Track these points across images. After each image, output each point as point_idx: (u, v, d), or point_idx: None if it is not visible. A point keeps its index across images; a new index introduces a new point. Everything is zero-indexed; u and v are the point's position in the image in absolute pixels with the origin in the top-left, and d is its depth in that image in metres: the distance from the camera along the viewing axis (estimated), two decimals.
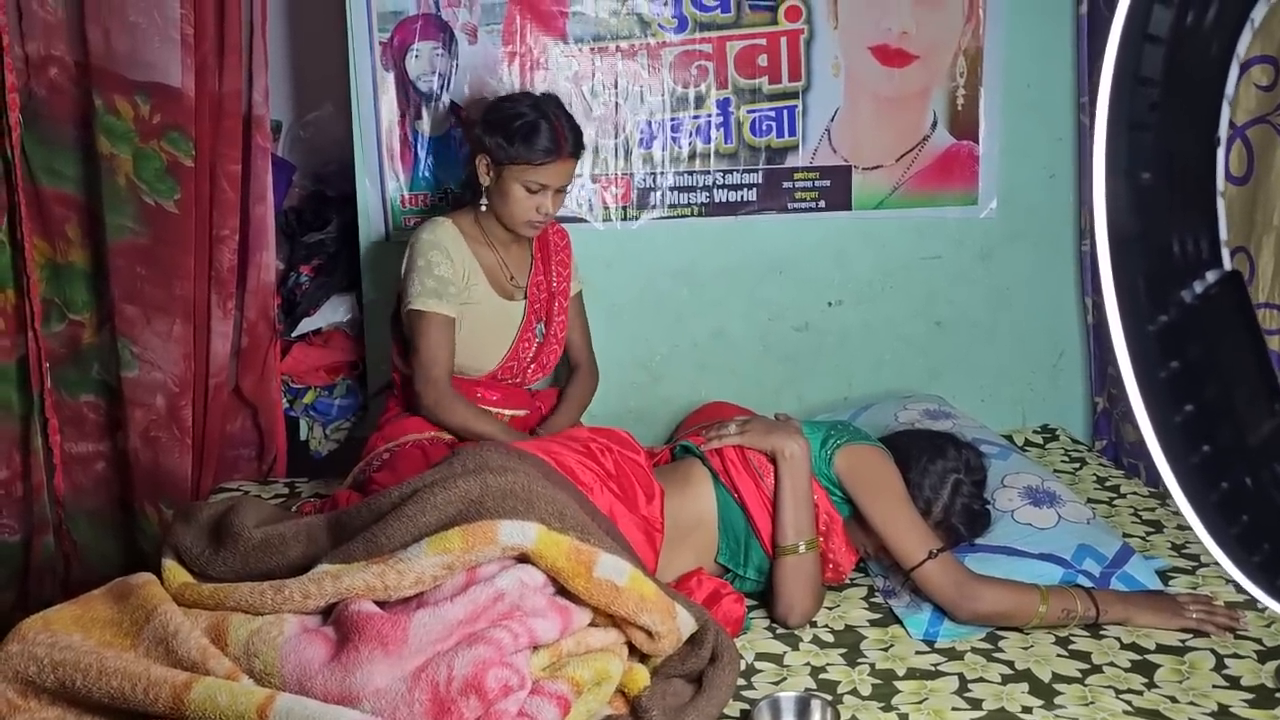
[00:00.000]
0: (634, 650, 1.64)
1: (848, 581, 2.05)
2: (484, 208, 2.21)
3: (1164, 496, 2.42)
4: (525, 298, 2.31)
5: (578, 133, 2.18)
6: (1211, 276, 0.64)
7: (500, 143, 2.12)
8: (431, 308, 2.17)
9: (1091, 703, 1.67)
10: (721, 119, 2.62)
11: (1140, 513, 2.35)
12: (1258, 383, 0.65)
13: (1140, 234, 0.63)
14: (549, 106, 2.17)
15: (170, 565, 1.63)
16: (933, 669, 1.77)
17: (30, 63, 2.33)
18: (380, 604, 1.51)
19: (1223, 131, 0.65)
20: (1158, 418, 0.64)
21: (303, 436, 2.68)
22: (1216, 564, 0.68)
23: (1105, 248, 0.63)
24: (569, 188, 2.24)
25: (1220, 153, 0.65)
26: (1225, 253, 0.65)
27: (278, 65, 2.78)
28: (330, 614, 1.52)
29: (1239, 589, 0.68)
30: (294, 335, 2.65)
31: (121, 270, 2.41)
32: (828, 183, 2.68)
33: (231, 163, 2.43)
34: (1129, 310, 0.63)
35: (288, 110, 2.89)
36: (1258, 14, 0.69)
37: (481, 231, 2.26)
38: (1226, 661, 1.77)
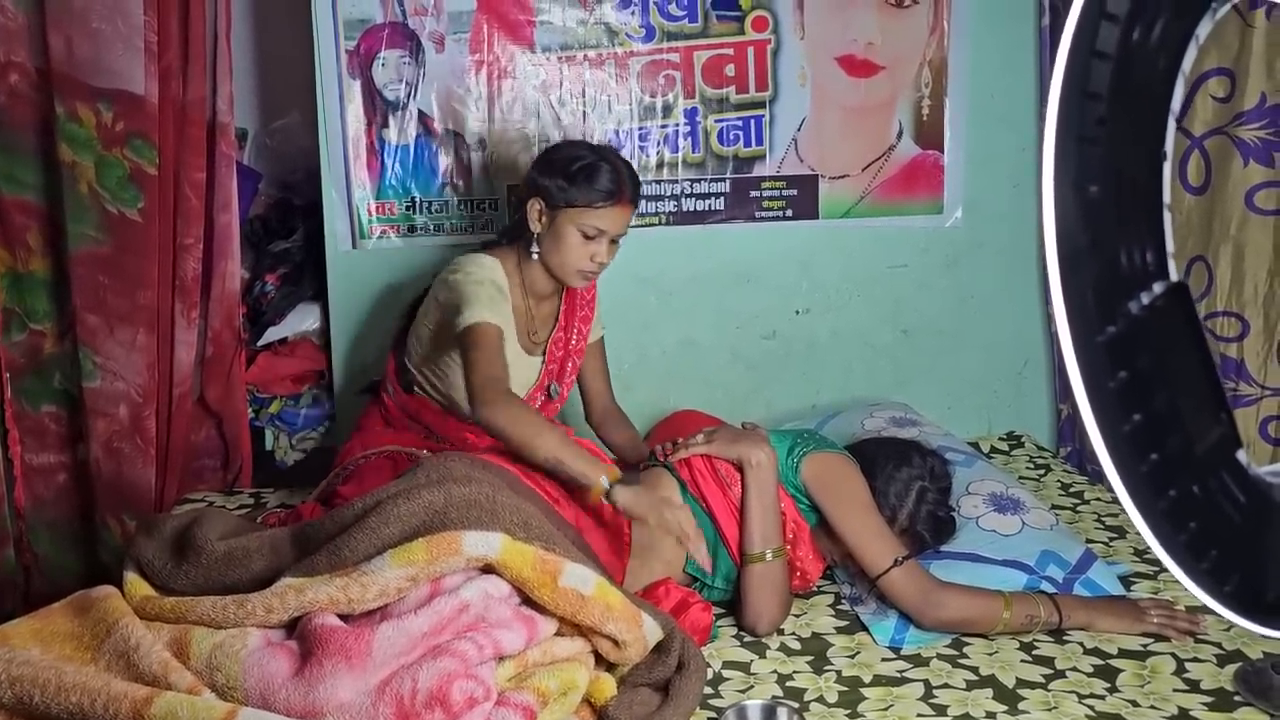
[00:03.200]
0: (600, 659, 1.64)
1: (815, 589, 2.06)
2: (534, 256, 2.10)
3: None
4: (544, 354, 2.24)
5: (636, 180, 2.11)
6: (1158, 288, 0.65)
7: (560, 184, 2.04)
8: (492, 319, 2.00)
9: (1055, 708, 1.68)
10: (689, 128, 2.63)
11: (1103, 518, 2.37)
12: (1204, 392, 0.66)
13: (1088, 246, 0.64)
14: (608, 151, 2.11)
15: (132, 578, 1.61)
16: (899, 676, 1.78)
17: None
18: (344, 617, 1.50)
19: (1169, 146, 0.66)
20: (1107, 427, 0.65)
21: (268, 446, 2.66)
22: (1162, 561, 0.69)
23: (1055, 260, 0.64)
24: (622, 240, 2.13)
25: (1166, 167, 0.66)
26: (1172, 265, 0.66)
27: (243, 73, 2.76)
28: (294, 627, 1.51)
29: (1183, 585, 0.69)
30: (259, 344, 2.63)
31: (83, 279, 2.38)
32: (795, 192, 2.70)
33: (196, 171, 2.41)
34: (1078, 321, 0.64)
35: (253, 118, 2.87)
36: (1203, 30, 0.71)
37: (520, 280, 2.15)
38: (1187, 665, 1.79)
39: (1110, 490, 2.53)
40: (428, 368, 2.20)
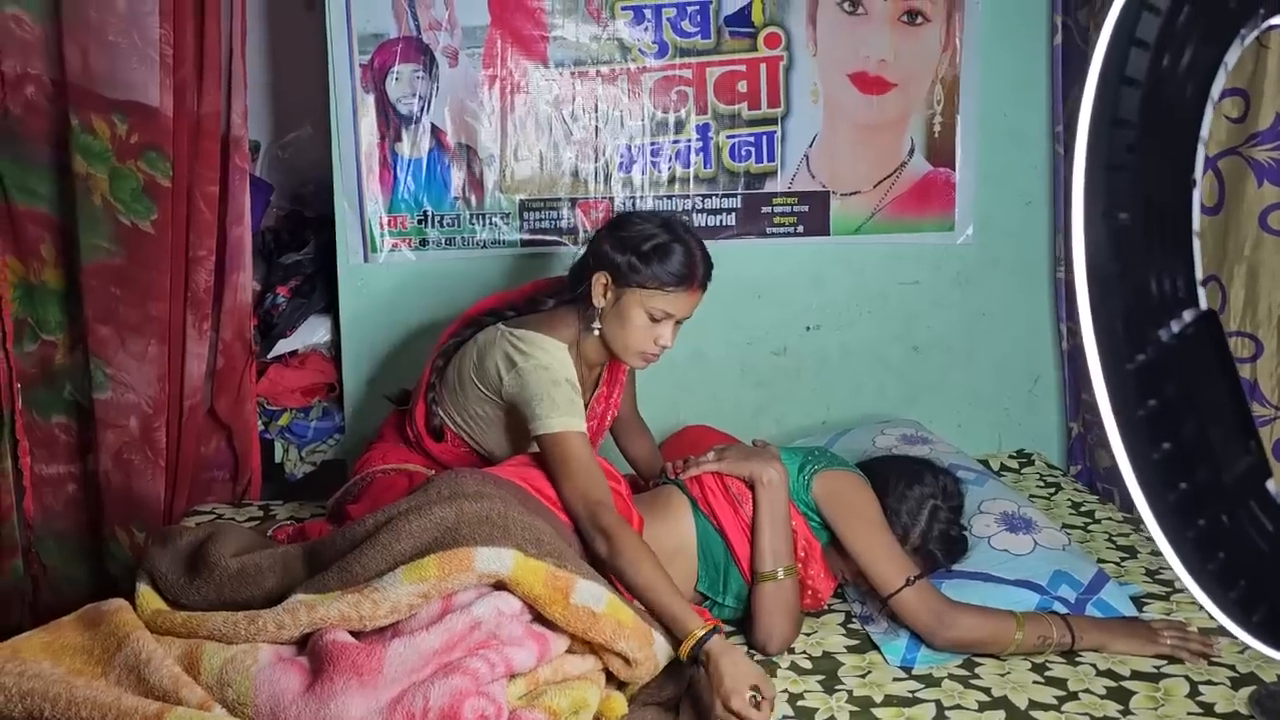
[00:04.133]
0: (611, 678, 1.63)
1: (825, 608, 2.05)
2: (596, 331, 1.99)
3: (1138, 522, 2.44)
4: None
5: (709, 262, 1.98)
6: (1188, 315, 0.65)
7: (631, 262, 1.92)
8: (577, 427, 1.89)
9: None
10: (701, 144, 2.64)
11: (1115, 538, 2.36)
12: (1233, 421, 0.66)
13: (1119, 274, 0.63)
14: (680, 228, 1.98)
15: (144, 591, 1.61)
16: (910, 696, 1.77)
17: (6, 81, 2.31)
18: (356, 634, 1.50)
19: (1198, 173, 0.66)
20: (1136, 455, 0.65)
21: (278, 459, 2.66)
22: (1190, 590, 0.68)
23: (1084, 287, 0.64)
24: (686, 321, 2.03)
25: (1195, 194, 0.65)
26: (1201, 292, 0.66)
27: (257, 85, 2.77)
28: (305, 644, 1.50)
29: (1213, 615, 0.69)
30: (270, 357, 2.63)
31: (96, 290, 2.38)
32: (806, 208, 2.70)
33: (209, 183, 2.41)
34: (1108, 349, 0.64)
35: (266, 130, 2.88)
36: (1231, 57, 0.70)
37: (578, 352, 2.03)
38: (1200, 688, 1.78)
39: (1122, 509, 2.51)
40: (470, 425, 2.10)
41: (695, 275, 1.94)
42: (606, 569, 1.74)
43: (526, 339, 1.98)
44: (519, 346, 1.97)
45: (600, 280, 1.96)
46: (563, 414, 1.88)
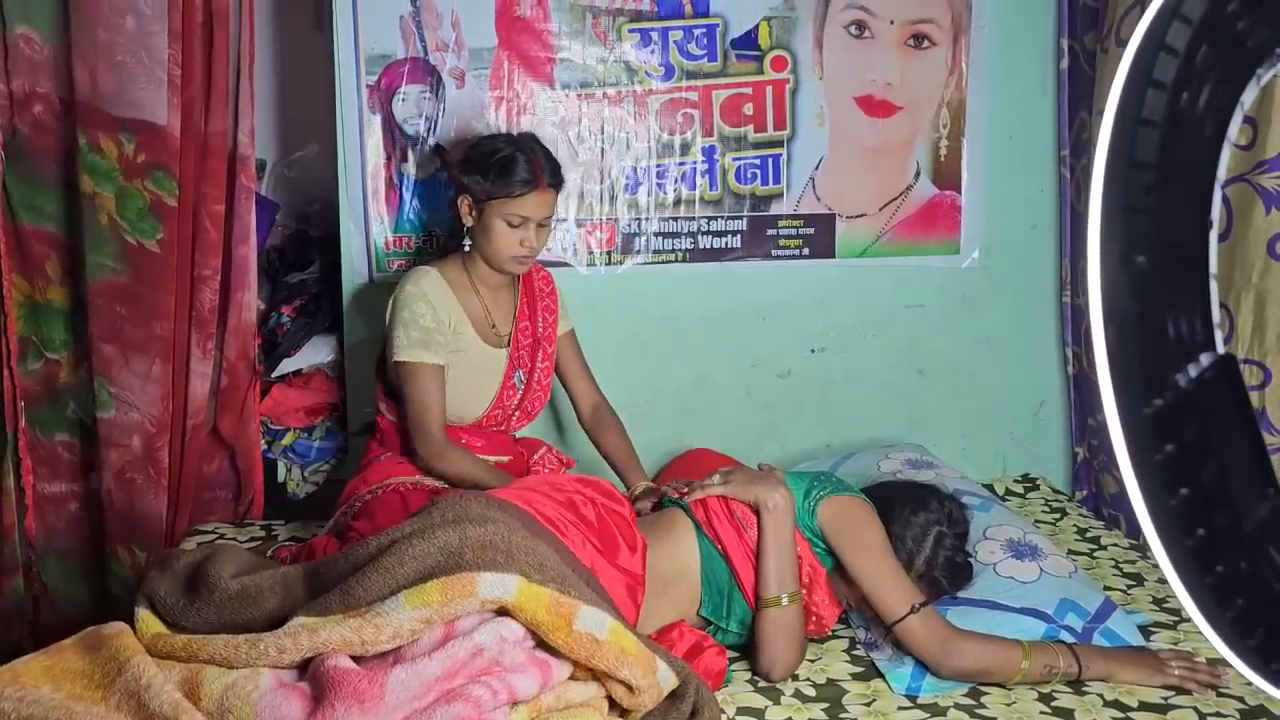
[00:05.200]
0: (614, 705, 1.62)
1: (830, 634, 2.03)
2: (467, 248, 2.22)
3: (1144, 549, 2.42)
4: (509, 344, 2.30)
5: (555, 164, 2.20)
6: (1206, 359, 0.64)
7: (478, 179, 2.15)
8: (419, 358, 2.16)
9: None
10: (707, 166, 2.64)
11: (1121, 565, 2.35)
12: (1252, 466, 0.65)
13: (1137, 318, 0.63)
14: (525, 141, 2.21)
15: (144, 615, 1.59)
16: None
17: (14, 99, 2.32)
18: (357, 659, 1.48)
19: (1215, 214, 0.65)
20: (1154, 501, 0.64)
21: (280, 478, 2.65)
22: (1207, 636, 0.67)
23: (1101, 331, 0.63)
24: (552, 222, 2.24)
25: (1212, 235, 0.65)
26: (1218, 335, 0.65)
27: (264, 104, 2.77)
28: (306, 668, 1.49)
29: (1231, 664, 0.68)
30: (274, 376, 2.62)
31: (101, 309, 2.38)
32: (811, 230, 2.70)
33: (215, 203, 2.41)
34: (1125, 393, 0.63)
35: (272, 149, 2.88)
36: (1248, 97, 0.70)
37: (468, 277, 2.25)
38: (1209, 719, 1.76)
39: (1128, 535, 2.50)
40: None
41: (540, 178, 2.15)
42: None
43: (406, 273, 2.25)
44: (400, 280, 2.23)
45: (464, 203, 2.19)
46: (412, 347, 2.16)
